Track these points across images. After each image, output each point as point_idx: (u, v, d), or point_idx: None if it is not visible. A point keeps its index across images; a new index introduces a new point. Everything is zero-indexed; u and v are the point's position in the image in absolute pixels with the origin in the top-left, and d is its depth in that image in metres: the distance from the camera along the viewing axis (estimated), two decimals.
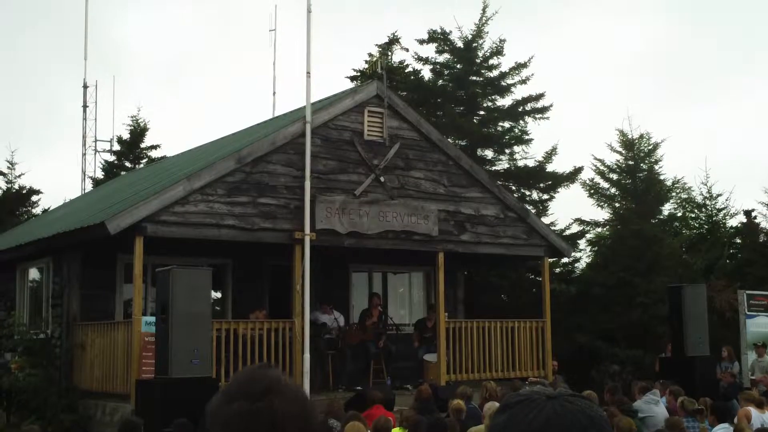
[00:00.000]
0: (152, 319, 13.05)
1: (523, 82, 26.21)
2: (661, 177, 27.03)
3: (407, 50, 27.50)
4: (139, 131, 30.75)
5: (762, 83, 52.75)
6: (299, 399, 1.74)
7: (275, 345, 14.50)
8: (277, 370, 1.81)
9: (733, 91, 54.47)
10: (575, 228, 26.34)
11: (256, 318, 15.29)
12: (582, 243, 26.70)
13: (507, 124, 26.40)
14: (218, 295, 17.49)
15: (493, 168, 25.76)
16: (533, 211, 21.45)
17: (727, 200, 28.11)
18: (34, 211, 30.47)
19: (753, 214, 26.65)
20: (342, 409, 10.66)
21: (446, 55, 26.82)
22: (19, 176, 30.88)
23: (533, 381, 15.71)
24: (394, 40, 27.76)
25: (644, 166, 26.64)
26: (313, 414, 1.75)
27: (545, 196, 26.23)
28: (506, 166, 26.31)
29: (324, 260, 16.00)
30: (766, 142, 51.14)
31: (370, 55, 27.78)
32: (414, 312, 19.52)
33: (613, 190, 26.93)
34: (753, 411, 10.80)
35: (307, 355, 14.46)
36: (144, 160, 30.53)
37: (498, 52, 26.29)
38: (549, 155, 25.90)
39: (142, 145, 30.92)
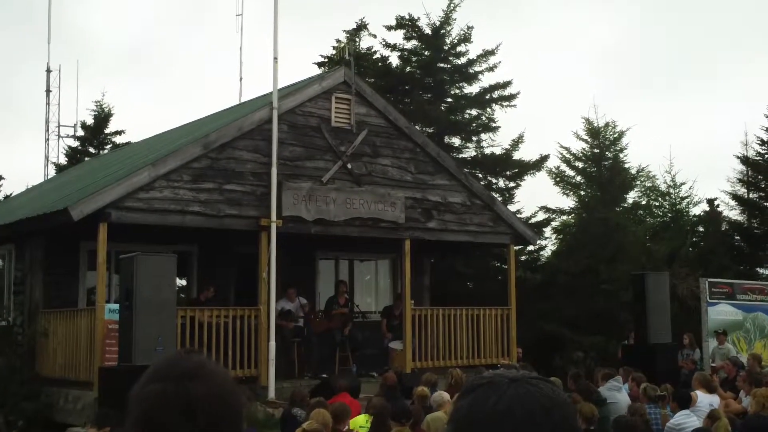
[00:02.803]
0: (116, 306, 12.94)
1: (491, 69, 26.28)
2: (626, 165, 27.28)
3: (375, 36, 27.46)
4: (103, 117, 30.41)
5: (726, 73, 53.38)
6: (220, 385, 1.70)
7: (240, 332, 14.43)
8: (203, 355, 1.78)
9: (698, 81, 55.06)
10: (541, 216, 26.51)
11: (206, 297, 15.24)
12: (547, 231, 26.89)
13: (474, 112, 26.46)
14: (183, 282, 17.38)
15: (460, 155, 25.82)
16: (499, 198, 21.55)
17: (690, 189, 28.49)
18: None
19: (716, 202, 27.02)
20: (307, 397, 10.65)
21: (414, 42, 26.79)
22: None
23: (504, 366, 15.81)
24: (361, 27, 27.67)
25: (609, 155, 26.84)
26: (234, 401, 1.72)
27: (511, 184, 26.36)
28: (473, 153, 26.39)
29: (290, 247, 15.94)
30: (730, 131, 51.79)
31: (338, 41, 27.63)
32: (380, 299, 19.54)
33: (578, 178, 27.12)
34: (700, 393, 11.00)
35: (272, 343, 14.43)
36: (108, 146, 30.20)
37: (466, 39, 26.30)
38: (515, 143, 26.02)
39: (107, 131, 30.59)
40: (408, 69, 26.88)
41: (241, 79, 22.23)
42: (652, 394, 11.03)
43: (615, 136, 26.90)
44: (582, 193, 27.01)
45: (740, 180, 27.09)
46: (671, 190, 28.54)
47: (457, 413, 1.49)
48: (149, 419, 1.64)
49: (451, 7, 26.25)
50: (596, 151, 26.76)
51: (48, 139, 28.40)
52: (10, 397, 14.15)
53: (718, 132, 51.11)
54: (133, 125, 67.65)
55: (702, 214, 27.72)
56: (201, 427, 1.63)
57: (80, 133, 29.76)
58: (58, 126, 28.57)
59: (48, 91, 28.34)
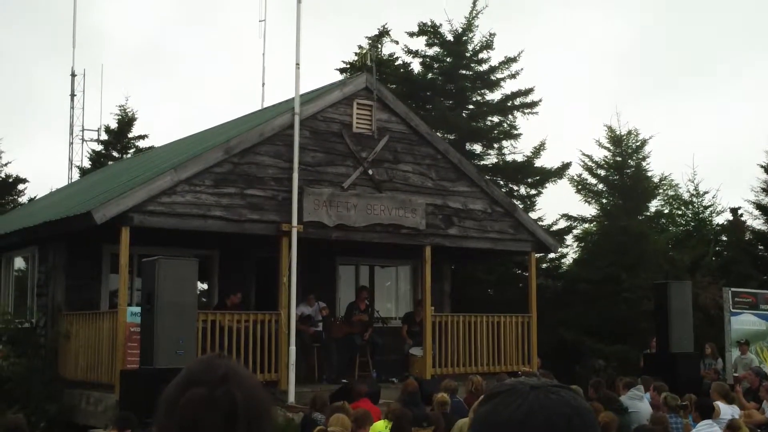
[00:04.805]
0: (138, 309, 13.01)
1: (513, 76, 26.24)
2: (649, 173, 27.12)
3: (397, 43, 27.51)
4: (126, 121, 30.62)
5: (750, 81, 52.98)
6: (255, 388, 1.73)
7: (261, 337, 14.47)
8: (233, 359, 1.79)
9: (723, 89, 54.69)
10: (562, 223, 26.41)
11: (232, 303, 15.27)
12: (569, 238, 26.79)
13: (496, 119, 26.41)
14: (204, 286, 17.45)
15: (482, 162, 25.78)
16: (521, 206, 21.49)
17: (713, 198, 28.29)
18: (20, 199, 30.34)
19: (739, 211, 26.80)
20: (327, 402, 10.66)
21: (436, 49, 26.80)
22: (5, 165, 30.77)
23: (525, 372, 15.75)
24: (383, 33, 27.73)
25: (632, 163, 26.70)
26: (267, 404, 1.74)
27: (533, 191, 26.27)
28: (494, 160, 26.34)
29: (311, 253, 15.98)
30: (754, 140, 51.41)
31: (360, 47, 27.76)
32: (400, 305, 19.53)
33: (600, 186, 26.99)
34: (721, 405, 10.89)
35: (293, 347, 14.45)
36: (131, 150, 30.40)
37: (487, 46, 26.29)
38: (537, 150, 25.93)
39: (130, 135, 30.79)
40: (430, 75, 26.89)
41: (263, 84, 22.24)
42: (672, 404, 10.96)
43: (637, 144, 26.76)
44: (604, 201, 26.87)
45: (764, 189, 26.83)
46: (694, 199, 28.36)
47: (477, 420, 1.49)
48: (193, 423, 1.65)
49: (474, 14, 26.26)
50: (618, 159, 26.63)
51: (72, 143, 28.66)
52: (32, 399, 14.26)
53: (743, 140, 50.75)
54: (156, 130, 68.14)
55: (725, 223, 27.51)
56: (242, 430, 1.64)
57: (104, 137, 30.01)
58: (82, 130, 28.84)
59: (72, 95, 28.59)
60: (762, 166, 26.67)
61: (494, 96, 26.46)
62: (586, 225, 27.05)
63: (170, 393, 1.70)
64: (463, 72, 26.37)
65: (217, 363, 1.73)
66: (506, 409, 1.44)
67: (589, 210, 27.35)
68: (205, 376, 1.70)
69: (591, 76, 55.35)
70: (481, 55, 26.39)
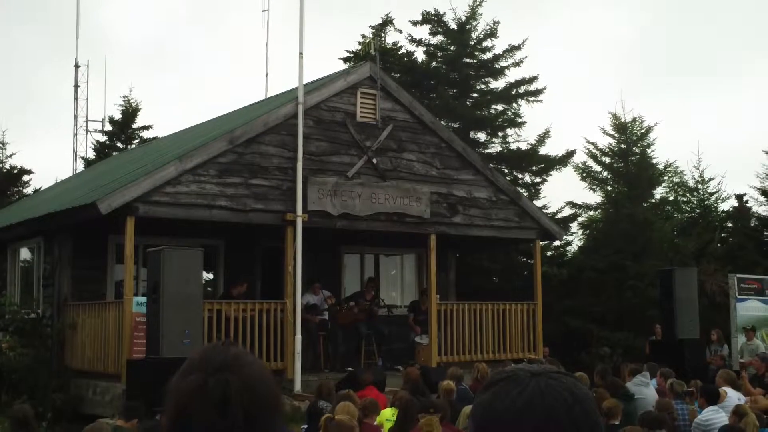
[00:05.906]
0: (143, 299, 13.04)
1: (517, 64, 26.18)
2: (654, 161, 27.07)
3: (400, 32, 27.45)
4: (131, 111, 30.60)
5: (757, 68, 52.80)
6: (257, 377, 1.72)
7: (267, 326, 14.50)
8: (238, 347, 1.79)
9: (728, 76, 54.51)
10: (567, 211, 26.40)
11: (238, 293, 15.29)
12: (574, 226, 26.77)
13: (500, 107, 26.38)
14: (210, 275, 17.48)
15: (486, 151, 25.75)
16: (525, 194, 21.47)
17: (719, 184, 28.23)
18: (25, 191, 30.40)
19: (744, 198, 26.75)
20: (333, 390, 10.68)
21: (440, 37, 26.76)
22: (10, 156, 30.84)
23: (530, 360, 15.78)
24: (387, 22, 27.67)
25: (637, 150, 26.65)
26: (272, 393, 1.73)
27: (537, 179, 26.25)
28: (499, 148, 26.31)
29: (316, 242, 15.98)
30: (759, 126, 51.26)
31: (364, 36, 27.72)
32: (405, 294, 19.54)
33: (605, 173, 26.95)
34: (729, 390, 10.90)
35: (298, 336, 14.48)
36: (136, 141, 30.40)
37: (491, 34, 26.22)
38: (542, 138, 25.91)
39: (134, 126, 30.78)
40: (433, 64, 26.85)
41: (267, 74, 22.18)
42: (678, 390, 10.97)
43: (642, 131, 26.71)
44: (609, 188, 26.84)
45: None
46: (699, 186, 28.31)
47: (478, 407, 1.49)
48: (186, 411, 1.66)
49: (477, 2, 26.18)
50: (623, 146, 26.58)
51: (76, 134, 28.66)
52: (39, 389, 14.31)
53: (748, 126, 50.61)
54: (161, 120, 68.16)
55: (731, 209, 27.46)
56: (237, 419, 1.64)
57: (108, 128, 29.99)
58: (87, 121, 28.83)
59: (76, 86, 28.56)
60: (767, 153, 26.60)
61: (498, 84, 26.45)
62: (591, 213, 27.05)
63: (172, 381, 1.72)
64: (467, 60, 26.32)
65: (218, 351, 1.74)
66: (506, 397, 1.44)
67: (594, 197, 27.35)
68: (202, 364, 1.71)
69: (596, 64, 55.20)
70: (484, 44, 26.34)
